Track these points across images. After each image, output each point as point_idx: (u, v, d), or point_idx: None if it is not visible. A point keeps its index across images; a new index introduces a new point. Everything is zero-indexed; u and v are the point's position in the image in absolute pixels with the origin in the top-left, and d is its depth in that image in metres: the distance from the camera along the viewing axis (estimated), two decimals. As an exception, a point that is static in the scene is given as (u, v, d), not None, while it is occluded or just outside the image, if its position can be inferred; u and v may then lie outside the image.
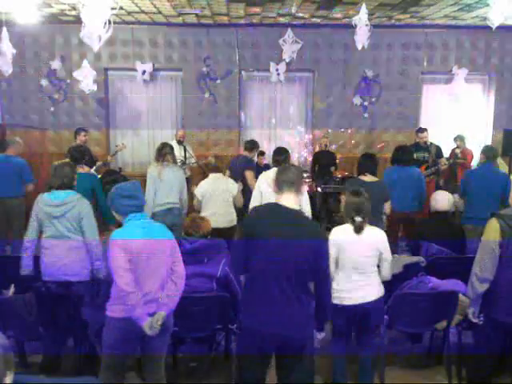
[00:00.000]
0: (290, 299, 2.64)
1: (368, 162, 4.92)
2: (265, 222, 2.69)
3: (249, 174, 6.01)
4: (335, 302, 3.28)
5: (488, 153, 5.51)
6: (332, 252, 3.28)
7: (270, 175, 4.99)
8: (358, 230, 3.35)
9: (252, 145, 6.57)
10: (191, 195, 5.81)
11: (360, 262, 3.36)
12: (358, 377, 3.64)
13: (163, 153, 5.39)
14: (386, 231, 4.86)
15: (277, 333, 2.65)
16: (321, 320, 2.86)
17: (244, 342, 2.81)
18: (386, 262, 3.45)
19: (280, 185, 2.76)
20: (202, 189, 5.49)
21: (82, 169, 5.14)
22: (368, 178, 4.82)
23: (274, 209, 2.76)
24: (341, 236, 3.38)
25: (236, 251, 2.89)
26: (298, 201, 2.79)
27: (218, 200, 5.39)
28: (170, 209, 5.34)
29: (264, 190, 4.91)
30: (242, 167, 6.14)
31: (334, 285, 3.29)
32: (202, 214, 5.21)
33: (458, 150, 7.91)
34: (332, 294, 3.23)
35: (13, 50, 6.03)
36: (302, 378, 2.76)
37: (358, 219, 3.34)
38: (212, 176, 5.57)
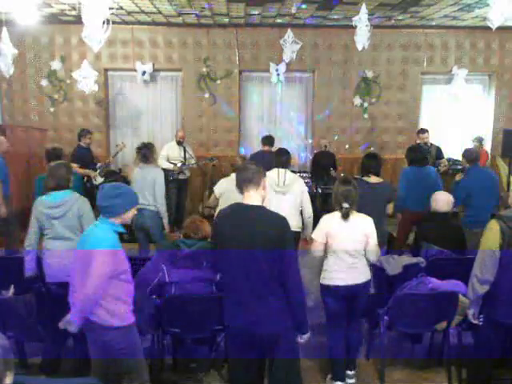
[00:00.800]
0: (259, 295, 2.67)
1: (372, 162, 4.85)
2: (228, 223, 2.76)
3: None
4: (327, 282, 3.52)
5: (470, 157, 5.51)
6: (320, 238, 3.51)
7: (271, 175, 4.99)
8: (346, 216, 3.49)
9: (272, 140, 6.88)
10: (184, 194, 5.82)
11: (350, 247, 3.51)
12: (347, 354, 3.73)
13: (137, 154, 5.54)
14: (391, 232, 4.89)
15: (250, 327, 2.70)
16: (299, 321, 2.79)
17: (229, 343, 2.94)
18: (372, 246, 3.58)
19: (239, 185, 2.82)
20: (221, 186, 5.47)
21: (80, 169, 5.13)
22: (372, 178, 4.79)
23: (235, 208, 2.83)
24: (329, 222, 3.55)
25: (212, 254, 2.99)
26: (261, 196, 2.83)
27: (235, 199, 5.34)
28: (140, 209, 5.31)
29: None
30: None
31: (326, 267, 3.54)
32: (218, 210, 5.23)
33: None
34: (323, 276, 3.53)
35: (14, 50, 6.02)
36: (284, 368, 2.80)
37: (346, 205, 3.49)
38: (233, 175, 5.52)
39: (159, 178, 5.50)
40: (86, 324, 2.83)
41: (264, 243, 2.63)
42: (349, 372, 3.75)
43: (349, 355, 3.74)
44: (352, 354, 3.77)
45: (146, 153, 5.50)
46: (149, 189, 5.39)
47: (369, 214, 4.64)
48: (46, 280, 3.87)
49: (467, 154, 5.59)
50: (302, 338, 2.86)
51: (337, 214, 3.55)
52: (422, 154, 5.81)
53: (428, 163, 5.88)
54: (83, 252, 2.81)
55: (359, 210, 4.65)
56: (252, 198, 2.79)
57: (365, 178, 4.79)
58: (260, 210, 2.80)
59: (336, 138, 9.24)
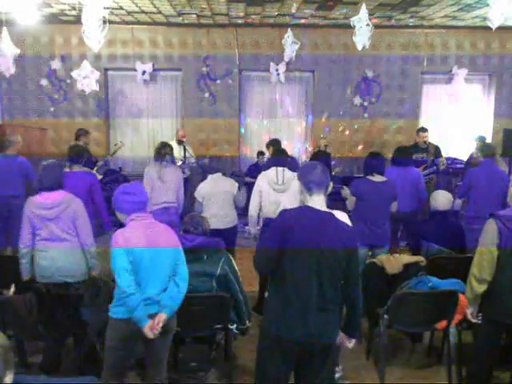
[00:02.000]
0: (323, 305, 2.57)
1: (375, 161, 4.84)
2: (299, 225, 2.56)
3: None
4: None
5: (487, 151, 5.53)
6: None
7: (269, 174, 5.00)
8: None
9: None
10: (190, 194, 5.82)
11: None
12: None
13: (163, 153, 5.42)
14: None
15: (303, 340, 2.57)
16: (353, 326, 2.75)
17: (269, 349, 2.66)
18: None
19: (309, 185, 2.63)
20: (202, 190, 5.46)
21: (79, 167, 5.09)
22: (376, 178, 4.78)
23: (306, 211, 2.63)
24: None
25: (265, 249, 2.70)
26: (326, 201, 2.69)
27: (218, 201, 5.37)
28: (167, 208, 5.36)
29: (264, 189, 4.91)
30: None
31: None
32: (203, 215, 5.22)
33: (474, 151, 7.89)
34: None
35: (16, 50, 6.01)
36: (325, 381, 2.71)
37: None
38: (211, 176, 5.54)
39: (182, 177, 5.61)
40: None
41: (339, 253, 2.55)
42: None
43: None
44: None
45: (170, 153, 5.54)
46: (174, 188, 5.46)
47: (373, 212, 4.66)
48: (37, 281, 3.81)
49: (486, 147, 5.60)
50: (351, 342, 2.81)
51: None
52: (406, 157, 5.69)
53: (413, 164, 5.80)
54: (168, 246, 2.98)
55: (364, 209, 4.68)
56: (321, 202, 2.64)
57: (369, 177, 4.79)
58: (333, 218, 2.64)
59: (335, 138, 9.23)
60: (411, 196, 5.50)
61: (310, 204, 2.63)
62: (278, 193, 4.80)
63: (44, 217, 3.67)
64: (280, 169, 4.93)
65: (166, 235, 3.00)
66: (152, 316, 2.86)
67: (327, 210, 2.66)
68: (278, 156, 5.12)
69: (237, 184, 5.55)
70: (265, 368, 2.70)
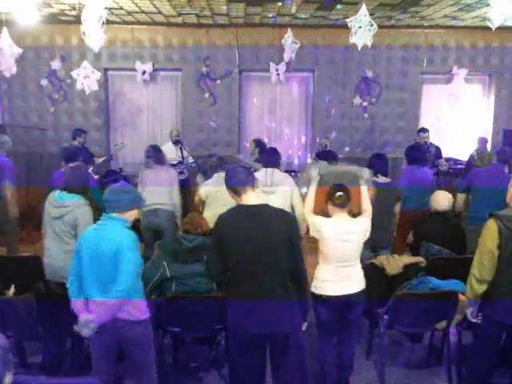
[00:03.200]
0: (275, 293, 2.68)
1: (379, 162, 4.86)
2: (233, 224, 2.73)
3: None
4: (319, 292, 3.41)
5: (503, 156, 5.47)
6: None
7: (258, 176, 4.98)
8: (342, 205, 3.45)
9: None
10: (192, 196, 5.81)
11: (343, 252, 3.45)
12: (338, 369, 3.65)
13: (146, 155, 5.54)
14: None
15: (269, 331, 2.69)
16: (305, 308, 2.87)
17: (236, 343, 2.82)
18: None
19: (234, 189, 2.79)
20: (206, 188, 5.45)
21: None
22: (381, 179, 4.80)
23: (240, 210, 2.79)
24: (321, 222, 3.47)
25: (211, 257, 2.88)
26: (260, 197, 2.85)
27: (221, 200, 5.34)
28: (156, 210, 5.33)
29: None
30: None
31: (317, 275, 3.48)
32: (205, 215, 5.21)
33: (474, 152, 7.88)
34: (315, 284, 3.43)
35: (18, 49, 5.99)
36: (293, 369, 2.79)
37: (340, 193, 3.44)
38: (216, 175, 5.52)
39: (175, 179, 5.59)
40: (107, 324, 2.81)
41: (278, 239, 2.67)
42: None
43: (341, 372, 3.63)
44: (344, 369, 3.63)
45: (159, 155, 5.57)
46: (164, 189, 5.43)
47: (377, 214, 4.66)
48: (45, 278, 3.87)
49: (501, 153, 5.57)
50: (304, 325, 2.92)
51: (330, 219, 3.46)
52: (423, 154, 5.82)
53: (427, 163, 5.88)
54: (107, 250, 2.80)
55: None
56: (251, 198, 2.79)
57: (373, 178, 4.80)
58: (267, 208, 2.79)
59: (336, 138, 9.22)
60: (426, 195, 5.48)
61: (242, 202, 2.77)
62: (266, 195, 4.76)
63: (50, 214, 3.78)
64: (270, 170, 4.89)
65: (108, 236, 2.86)
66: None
67: (258, 202, 2.78)
68: (269, 156, 5.08)
69: None
70: (236, 365, 2.85)
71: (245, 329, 2.71)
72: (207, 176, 5.84)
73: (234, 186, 2.78)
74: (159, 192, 5.37)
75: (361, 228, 3.48)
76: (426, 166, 5.82)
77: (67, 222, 3.73)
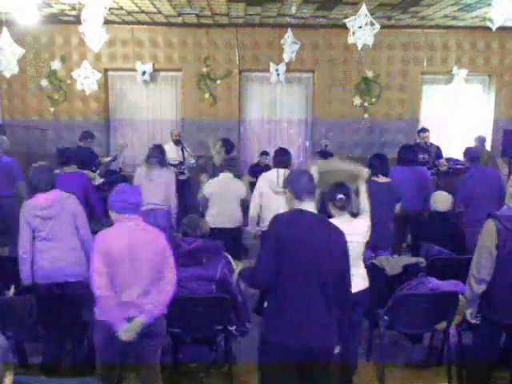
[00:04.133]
0: (322, 309, 2.58)
1: (380, 162, 4.88)
2: (295, 229, 2.59)
3: None
4: None
5: (472, 155, 5.53)
6: None
7: (269, 176, 4.99)
8: (343, 208, 3.46)
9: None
10: (187, 195, 5.82)
11: None
12: (342, 371, 3.60)
13: (148, 155, 5.54)
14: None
15: (306, 344, 2.57)
16: (341, 330, 2.73)
17: (270, 356, 2.65)
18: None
19: (298, 194, 2.68)
20: (210, 186, 5.46)
21: (69, 168, 5.07)
22: (381, 179, 4.81)
23: (300, 215, 2.67)
24: None
25: (264, 260, 2.64)
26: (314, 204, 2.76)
27: (225, 200, 5.36)
28: (152, 210, 5.33)
29: (264, 191, 4.90)
30: None
31: None
32: (208, 213, 5.22)
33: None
34: None
35: (21, 49, 5.98)
36: None
37: (340, 196, 3.43)
38: (222, 175, 5.53)
39: (173, 179, 5.61)
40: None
41: (335, 253, 2.60)
42: None
43: (345, 372, 3.60)
44: (348, 370, 3.61)
45: (161, 155, 5.58)
46: (162, 190, 5.44)
47: (377, 214, 4.65)
48: (36, 281, 3.81)
49: (469, 152, 5.59)
50: (338, 349, 2.79)
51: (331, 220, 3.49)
52: (413, 154, 5.78)
53: (418, 163, 5.86)
54: (151, 249, 2.88)
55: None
56: (312, 207, 2.69)
57: (373, 178, 4.80)
58: (326, 219, 2.75)
59: (336, 138, 9.21)
60: (418, 195, 5.50)
61: (303, 208, 2.68)
62: (278, 195, 4.77)
63: (45, 216, 3.70)
64: (281, 171, 4.90)
65: (151, 238, 2.94)
66: (129, 319, 2.84)
67: (316, 212, 2.71)
68: (280, 156, 5.08)
69: (245, 188, 5.50)
70: (268, 375, 2.69)
71: (283, 339, 2.58)
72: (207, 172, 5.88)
73: (300, 193, 2.67)
74: (157, 193, 5.37)
75: (362, 229, 3.48)
76: (417, 166, 5.77)
77: (66, 216, 3.71)
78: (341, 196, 3.38)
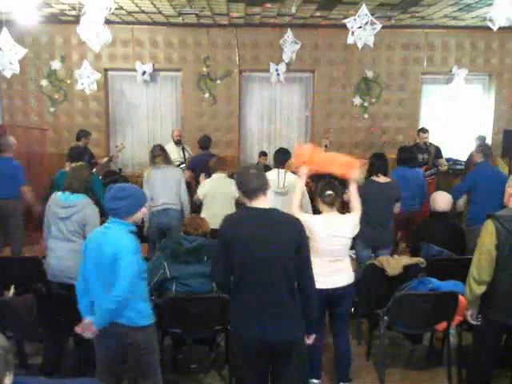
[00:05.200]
0: (281, 301, 2.61)
1: (380, 162, 4.89)
2: (241, 227, 2.64)
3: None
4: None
5: (487, 151, 5.57)
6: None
7: (270, 176, 4.97)
8: (331, 203, 3.55)
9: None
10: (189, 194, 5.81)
11: (332, 247, 3.50)
12: (338, 365, 3.68)
13: (153, 155, 5.49)
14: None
15: (268, 339, 2.61)
16: (311, 320, 2.74)
17: (239, 351, 2.74)
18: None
19: (246, 194, 2.66)
20: (203, 189, 5.47)
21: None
22: (381, 178, 4.82)
23: (246, 212, 2.71)
24: (310, 219, 3.54)
25: (216, 260, 2.75)
26: (272, 200, 2.80)
27: (219, 201, 5.37)
28: (166, 209, 5.33)
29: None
30: None
31: None
32: (202, 215, 5.22)
33: (474, 150, 7.87)
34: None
35: (23, 49, 5.97)
36: (294, 378, 2.72)
37: (329, 192, 3.53)
38: (215, 176, 5.55)
39: (183, 178, 5.59)
40: (107, 327, 2.80)
41: (286, 245, 2.60)
42: None
43: (340, 367, 3.67)
44: (343, 364, 3.66)
45: (167, 154, 5.56)
46: (173, 189, 5.41)
47: (377, 214, 4.68)
48: (47, 278, 3.87)
49: (484, 148, 5.63)
50: (310, 339, 2.81)
51: (319, 216, 3.56)
52: (412, 155, 5.83)
53: (417, 164, 5.93)
54: (107, 254, 2.78)
55: (369, 210, 4.68)
56: (262, 202, 2.68)
57: (373, 178, 4.81)
58: (276, 212, 2.71)
59: (336, 138, 9.21)
60: (412, 196, 5.54)
61: (251, 205, 2.68)
62: (278, 196, 4.77)
63: (57, 215, 3.79)
64: (282, 171, 4.90)
65: (113, 244, 2.82)
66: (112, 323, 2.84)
67: (269, 207, 2.69)
68: (280, 156, 5.07)
69: None
70: (241, 369, 2.78)
71: (247, 335, 2.64)
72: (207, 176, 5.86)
73: (248, 191, 2.66)
74: (168, 192, 5.36)
75: (349, 223, 3.55)
76: (416, 167, 5.85)
77: (76, 222, 3.78)
78: (329, 192, 3.49)
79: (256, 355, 2.66)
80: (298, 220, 2.74)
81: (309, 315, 2.72)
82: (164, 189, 5.33)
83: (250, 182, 2.66)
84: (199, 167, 6.29)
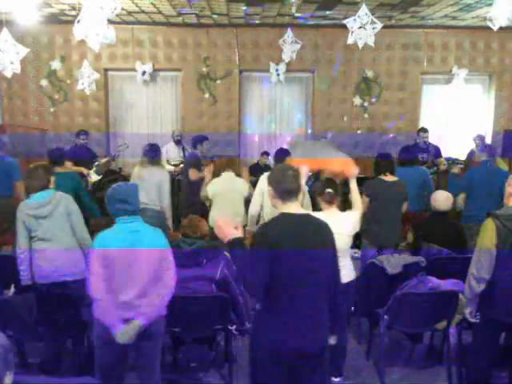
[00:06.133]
0: (315, 311, 2.53)
1: (387, 161, 4.91)
2: (285, 235, 2.46)
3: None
4: None
5: (492, 151, 5.59)
6: None
7: None
8: (330, 201, 3.59)
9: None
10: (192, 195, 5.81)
11: None
12: (331, 359, 3.63)
13: (144, 153, 5.51)
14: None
15: (302, 350, 2.51)
16: (335, 321, 2.69)
17: (264, 361, 2.56)
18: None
19: (281, 194, 2.54)
20: (213, 187, 5.45)
21: (62, 168, 5.05)
22: (389, 177, 4.83)
23: (286, 219, 2.54)
24: None
25: (257, 270, 2.44)
26: (301, 201, 2.70)
27: (228, 199, 5.35)
28: (144, 209, 5.29)
29: (266, 190, 4.88)
30: None
31: None
32: (212, 213, 5.22)
33: (473, 149, 7.87)
34: None
35: (24, 49, 5.98)
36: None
37: (329, 190, 3.56)
38: (224, 175, 5.54)
39: (166, 179, 5.54)
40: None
41: (328, 250, 2.57)
42: (335, 379, 3.65)
43: (333, 360, 3.65)
44: (336, 358, 3.60)
45: (154, 154, 5.53)
46: (155, 189, 5.39)
47: (385, 213, 4.68)
48: (35, 281, 3.82)
49: (491, 148, 5.65)
50: (334, 340, 2.75)
51: (320, 213, 3.51)
52: (413, 155, 5.84)
53: (418, 164, 5.94)
54: (150, 255, 2.87)
55: (377, 210, 4.68)
56: (295, 205, 2.57)
57: (381, 177, 4.82)
58: (311, 217, 2.63)
59: (336, 138, 9.20)
60: (415, 196, 5.53)
61: (284, 210, 2.54)
62: None
63: (37, 216, 3.70)
64: None
65: (149, 239, 2.92)
66: (127, 321, 2.82)
67: (302, 211, 2.61)
68: (281, 156, 5.07)
69: (248, 185, 5.51)
70: (260, 380, 2.62)
71: (278, 345, 2.47)
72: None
73: (284, 192, 2.52)
74: (148, 191, 5.32)
75: (350, 221, 3.58)
76: (419, 166, 5.86)
77: (60, 216, 3.70)
78: (329, 191, 3.52)
79: (280, 366, 2.53)
80: (327, 224, 2.64)
81: (335, 315, 2.66)
82: (143, 188, 5.30)
83: (288, 183, 2.52)
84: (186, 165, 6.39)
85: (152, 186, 5.38)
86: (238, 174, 5.81)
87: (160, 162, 5.75)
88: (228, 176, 5.48)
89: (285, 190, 2.52)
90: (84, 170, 7.24)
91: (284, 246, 2.43)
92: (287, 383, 2.61)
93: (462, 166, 8.04)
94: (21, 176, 5.82)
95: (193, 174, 6.10)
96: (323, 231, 2.60)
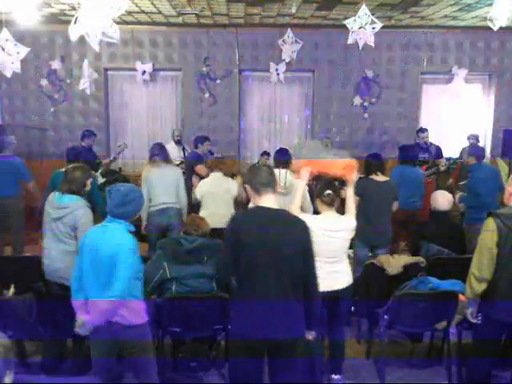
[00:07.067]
0: (285, 300, 2.62)
1: (378, 160, 4.94)
2: (251, 225, 2.66)
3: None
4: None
5: (480, 153, 5.60)
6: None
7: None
8: (330, 202, 3.57)
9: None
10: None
11: (330, 249, 3.49)
12: (331, 357, 3.70)
13: (152, 153, 5.48)
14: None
15: (272, 337, 2.61)
16: (310, 318, 2.78)
17: (237, 348, 2.74)
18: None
19: (256, 187, 2.72)
20: (202, 189, 5.48)
21: None
22: (380, 177, 4.85)
23: (257, 211, 2.74)
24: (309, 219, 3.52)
25: (223, 257, 2.84)
26: (277, 199, 2.79)
27: (217, 200, 5.37)
28: (165, 209, 5.31)
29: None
30: None
31: None
32: (201, 214, 5.22)
33: (466, 147, 7.88)
34: None
35: (25, 48, 5.97)
36: (294, 378, 2.72)
37: (328, 192, 3.55)
38: (212, 175, 5.56)
39: (181, 177, 5.57)
40: (102, 325, 2.80)
41: (295, 245, 2.63)
42: (334, 376, 3.68)
43: (334, 360, 3.68)
44: (335, 355, 3.67)
45: (165, 154, 5.53)
46: (172, 188, 5.39)
47: (376, 212, 4.70)
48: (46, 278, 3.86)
49: (477, 151, 5.66)
50: (311, 335, 2.86)
51: (318, 216, 3.57)
52: (413, 154, 5.85)
53: (418, 163, 5.98)
54: (105, 254, 2.79)
55: (367, 209, 4.68)
56: (270, 200, 2.72)
57: (372, 177, 4.83)
58: (285, 213, 2.77)
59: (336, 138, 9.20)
60: (413, 195, 5.55)
61: (260, 204, 2.72)
62: (279, 196, 4.75)
63: (50, 215, 3.74)
64: (283, 171, 4.89)
65: (113, 242, 2.83)
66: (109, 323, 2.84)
67: (277, 207, 2.74)
68: (281, 156, 5.06)
69: (236, 186, 5.52)
70: (236, 369, 2.76)
71: (248, 333, 2.63)
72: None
73: (258, 184, 2.72)
74: (167, 191, 5.34)
75: (348, 225, 3.57)
76: (417, 166, 5.89)
77: (67, 223, 3.68)
78: (328, 192, 3.50)
79: (255, 354, 2.66)
80: (303, 221, 2.75)
81: (311, 314, 2.75)
82: (163, 188, 5.31)
83: (261, 176, 2.72)
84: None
85: (170, 185, 5.38)
86: (231, 174, 5.81)
87: (170, 159, 5.75)
88: (216, 176, 5.50)
89: (259, 182, 2.71)
90: (93, 173, 7.21)
91: (243, 234, 2.63)
92: (263, 374, 2.73)
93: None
94: (31, 177, 5.86)
95: (202, 170, 6.11)
96: (294, 228, 2.69)
